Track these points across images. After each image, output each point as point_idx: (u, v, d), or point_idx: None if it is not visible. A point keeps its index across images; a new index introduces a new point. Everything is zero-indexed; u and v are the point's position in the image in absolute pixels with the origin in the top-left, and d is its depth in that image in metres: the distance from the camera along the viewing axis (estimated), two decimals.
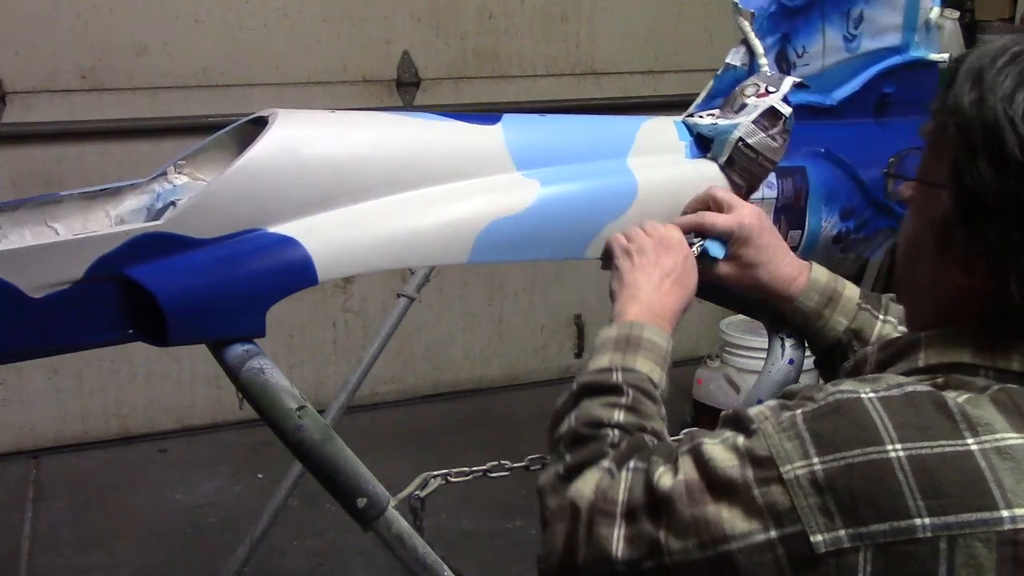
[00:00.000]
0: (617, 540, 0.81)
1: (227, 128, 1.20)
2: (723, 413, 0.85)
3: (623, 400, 0.95)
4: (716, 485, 0.76)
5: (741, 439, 0.77)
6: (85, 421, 3.42)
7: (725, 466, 0.76)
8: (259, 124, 1.17)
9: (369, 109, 3.25)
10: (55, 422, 3.39)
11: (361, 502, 1.05)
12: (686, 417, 3.41)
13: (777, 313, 1.27)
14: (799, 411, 0.76)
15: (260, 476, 3.19)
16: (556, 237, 1.25)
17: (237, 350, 1.10)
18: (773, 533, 0.73)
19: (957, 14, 3.38)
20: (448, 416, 3.71)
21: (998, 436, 0.71)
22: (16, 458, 3.33)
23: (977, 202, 0.77)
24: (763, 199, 1.40)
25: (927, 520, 0.69)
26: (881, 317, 1.18)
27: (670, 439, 0.93)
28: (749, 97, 1.33)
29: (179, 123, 3.21)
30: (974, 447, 0.71)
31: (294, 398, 1.06)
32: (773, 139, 1.29)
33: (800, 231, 1.47)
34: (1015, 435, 0.72)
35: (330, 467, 1.05)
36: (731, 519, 0.74)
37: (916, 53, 1.56)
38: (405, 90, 3.52)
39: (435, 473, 1.23)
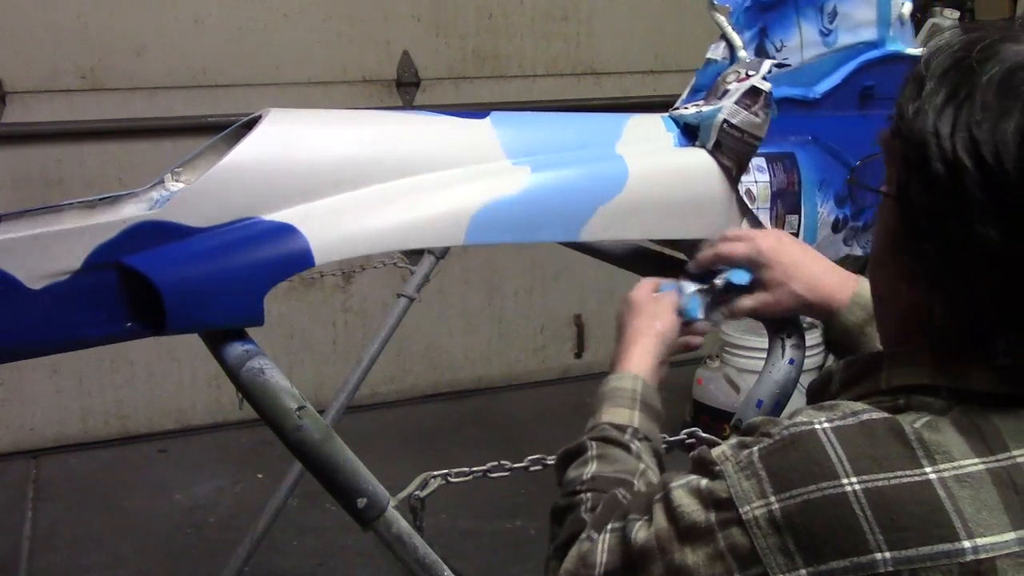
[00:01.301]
0: None
1: (222, 134, 1.22)
2: (691, 454, 0.84)
3: (589, 454, 0.99)
4: (683, 531, 0.76)
5: (704, 482, 0.77)
6: (85, 421, 3.43)
7: (690, 511, 0.76)
8: (252, 127, 1.19)
9: (369, 109, 3.25)
10: (55, 422, 3.39)
11: (361, 502, 1.05)
12: (686, 417, 3.41)
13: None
14: (756, 448, 0.75)
15: (260, 476, 3.19)
16: (550, 218, 1.27)
17: (237, 349, 1.11)
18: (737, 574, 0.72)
19: (957, 14, 3.39)
20: (448, 416, 3.71)
21: (957, 463, 0.70)
22: (16, 458, 3.33)
23: (914, 217, 0.75)
24: (756, 182, 1.42)
25: (887, 554, 0.68)
26: None
27: (649, 479, 0.96)
28: (730, 83, 1.36)
29: (179, 123, 3.21)
30: (932, 476, 0.70)
31: (294, 398, 1.06)
32: (755, 115, 1.32)
33: (797, 216, 1.49)
34: (974, 460, 0.70)
35: (330, 467, 1.05)
36: (697, 565, 0.74)
37: (892, 47, 1.59)
38: (405, 90, 3.53)
39: (435, 473, 1.23)
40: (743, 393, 3.14)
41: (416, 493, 1.18)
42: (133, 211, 1.15)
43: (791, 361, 1.27)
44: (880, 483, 0.69)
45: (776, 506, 0.71)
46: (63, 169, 3.20)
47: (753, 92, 1.33)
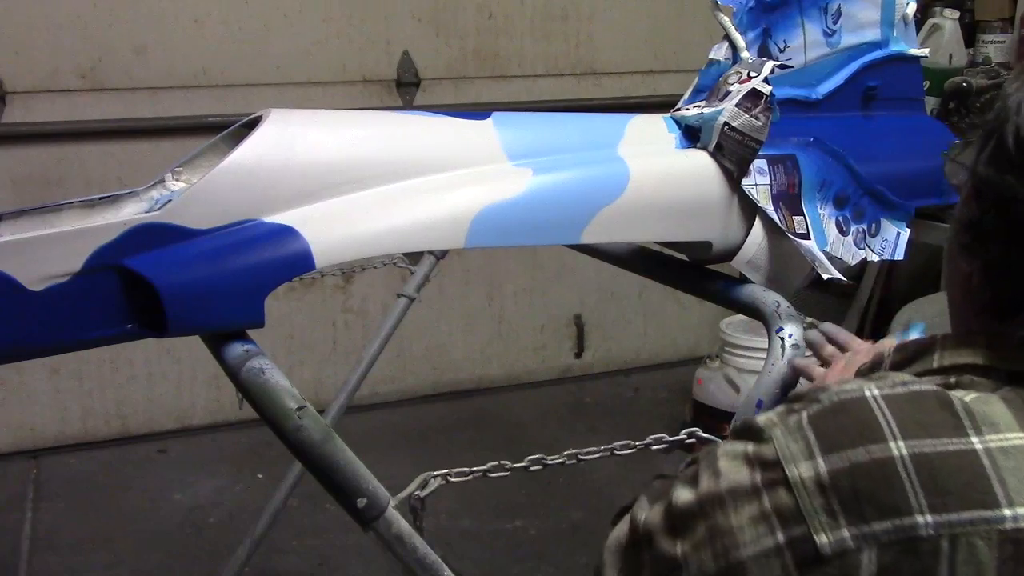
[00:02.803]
0: (644, 565, 0.82)
1: (222, 133, 1.21)
2: (733, 424, 0.84)
3: None
4: (728, 493, 0.76)
5: (751, 446, 0.77)
6: (85, 421, 3.43)
7: (736, 473, 0.76)
8: (253, 127, 1.18)
9: (369, 109, 3.25)
10: (55, 422, 3.39)
11: (361, 502, 1.05)
12: (686, 417, 3.41)
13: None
14: (804, 412, 0.76)
15: (260, 476, 3.19)
16: (551, 221, 1.27)
17: (237, 350, 1.11)
18: (780, 536, 0.72)
19: (957, 14, 3.39)
20: (448, 416, 3.71)
21: (1003, 435, 0.71)
22: (16, 458, 3.33)
23: (977, 188, 0.79)
24: (756, 185, 1.42)
25: (929, 518, 0.69)
26: None
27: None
28: (732, 85, 1.36)
29: (179, 123, 3.21)
30: (978, 445, 0.71)
31: (294, 398, 1.06)
32: (756, 118, 1.32)
33: (802, 216, 1.49)
34: (1020, 433, 0.72)
35: (330, 467, 1.05)
36: (740, 527, 0.74)
37: (896, 48, 1.59)
38: (405, 90, 3.53)
39: (435, 473, 1.23)
40: (743, 393, 3.14)
41: (416, 493, 1.18)
42: (133, 210, 1.15)
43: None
44: (927, 449, 0.71)
45: (823, 467, 0.72)
46: (63, 169, 3.19)
47: (754, 95, 1.33)
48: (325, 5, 3.37)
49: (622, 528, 0.87)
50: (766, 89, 1.33)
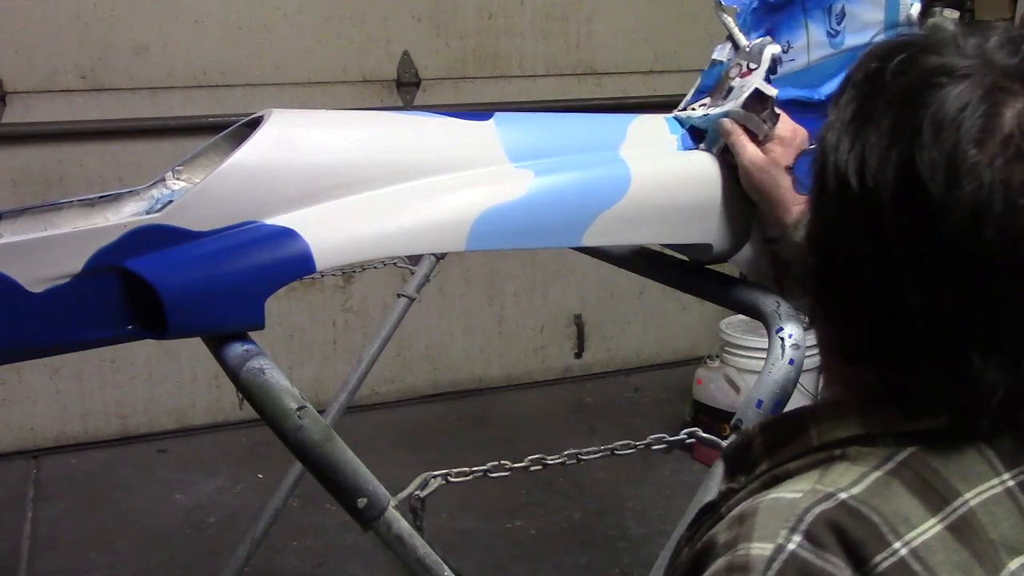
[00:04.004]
0: None
1: (223, 133, 1.21)
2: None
3: None
4: None
5: None
6: (85, 421, 3.43)
7: None
8: (255, 127, 1.18)
9: (369, 109, 3.25)
10: (55, 422, 3.39)
11: (361, 502, 1.05)
12: (686, 417, 3.41)
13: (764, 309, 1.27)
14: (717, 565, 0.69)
15: (260, 476, 3.19)
16: (552, 224, 1.27)
17: (237, 350, 1.11)
18: None
19: (957, 14, 3.39)
20: (448, 416, 3.71)
21: (918, 530, 0.68)
22: (16, 458, 3.33)
23: (811, 223, 0.76)
24: None
25: None
26: None
27: None
28: (733, 79, 1.35)
29: (179, 123, 3.22)
30: (903, 551, 0.67)
31: (294, 398, 1.06)
32: (763, 121, 1.31)
33: None
34: (932, 521, 0.68)
35: (330, 467, 1.05)
36: None
37: None
38: (405, 90, 3.53)
39: (435, 473, 1.23)
40: (743, 393, 3.14)
41: (416, 493, 1.18)
42: (133, 210, 1.15)
43: (791, 361, 1.27)
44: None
45: None
46: (63, 169, 3.20)
47: (759, 98, 1.32)
48: (325, 5, 3.37)
49: None
50: (771, 92, 1.32)
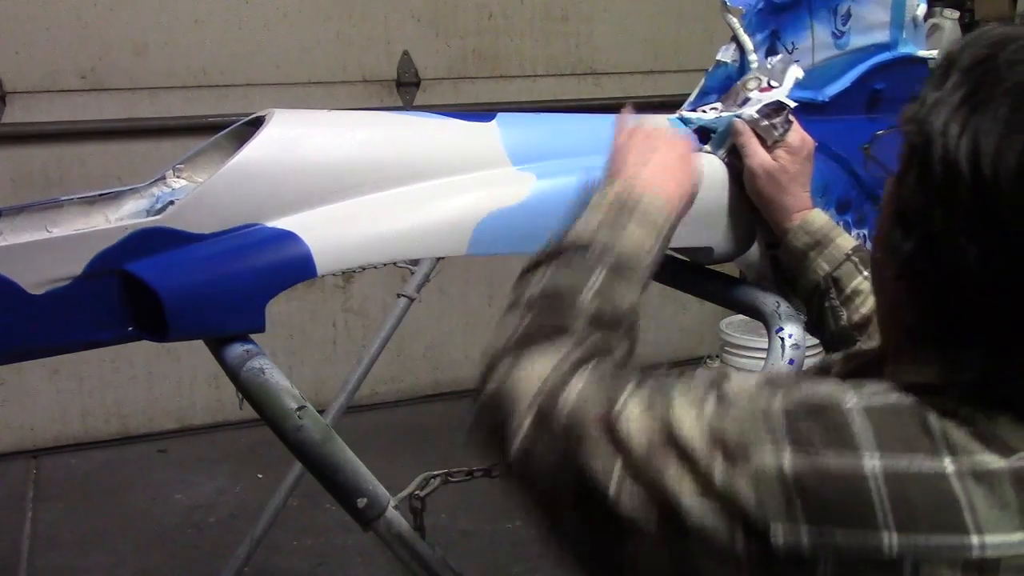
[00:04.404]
0: (558, 451, 0.75)
1: (225, 131, 1.21)
2: (707, 369, 0.79)
3: (591, 280, 0.92)
4: (678, 452, 0.71)
5: (710, 409, 0.72)
6: (85, 421, 3.43)
7: (690, 439, 0.71)
8: (256, 125, 1.18)
9: (369, 109, 3.25)
10: (55, 422, 3.39)
11: (361, 502, 1.05)
12: None
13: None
14: (779, 400, 0.72)
15: (260, 476, 3.19)
16: (553, 229, 1.26)
17: (237, 350, 1.11)
18: (734, 516, 0.69)
19: (957, 14, 3.38)
20: (448, 416, 3.71)
21: (975, 458, 0.69)
22: (16, 458, 3.33)
23: (903, 208, 0.74)
24: None
25: (895, 537, 0.67)
26: (864, 274, 1.20)
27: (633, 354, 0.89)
28: (751, 91, 1.34)
29: (179, 123, 3.21)
30: (950, 468, 0.68)
31: (294, 398, 1.06)
32: (775, 128, 1.31)
33: None
34: (995, 457, 0.69)
35: (330, 467, 1.05)
36: (691, 492, 0.70)
37: (905, 49, 1.57)
38: (405, 90, 3.53)
39: (435, 473, 1.23)
40: None
41: (416, 493, 1.18)
42: (134, 207, 1.15)
43: (791, 361, 1.27)
44: (900, 467, 0.68)
45: (788, 463, 0.69)
46: (63, 169, 3.20)
47: (777, 107, 1.31)
48: (325, 5, 3.37)
49: (542, 369, 0.79)
50: (791, 103, 1.31)
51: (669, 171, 1.08)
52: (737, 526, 0.69)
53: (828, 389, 0.73)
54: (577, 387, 0.77)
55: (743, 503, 0.68)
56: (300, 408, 1.05)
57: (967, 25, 3.35)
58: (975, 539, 0.67)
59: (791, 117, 1.31)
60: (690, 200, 1.11)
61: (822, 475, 0.68)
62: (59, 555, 2.82)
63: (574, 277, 0.92)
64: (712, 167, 1.34)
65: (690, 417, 0.72)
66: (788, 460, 0.69)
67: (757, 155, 1.30)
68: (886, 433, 0.70)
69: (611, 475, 0.72)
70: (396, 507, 1.08)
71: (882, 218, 0.80)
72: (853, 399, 0.72)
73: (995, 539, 0.67)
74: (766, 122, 1.31)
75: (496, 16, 3.60)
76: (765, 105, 1.31)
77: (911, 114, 0.74)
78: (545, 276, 0.93)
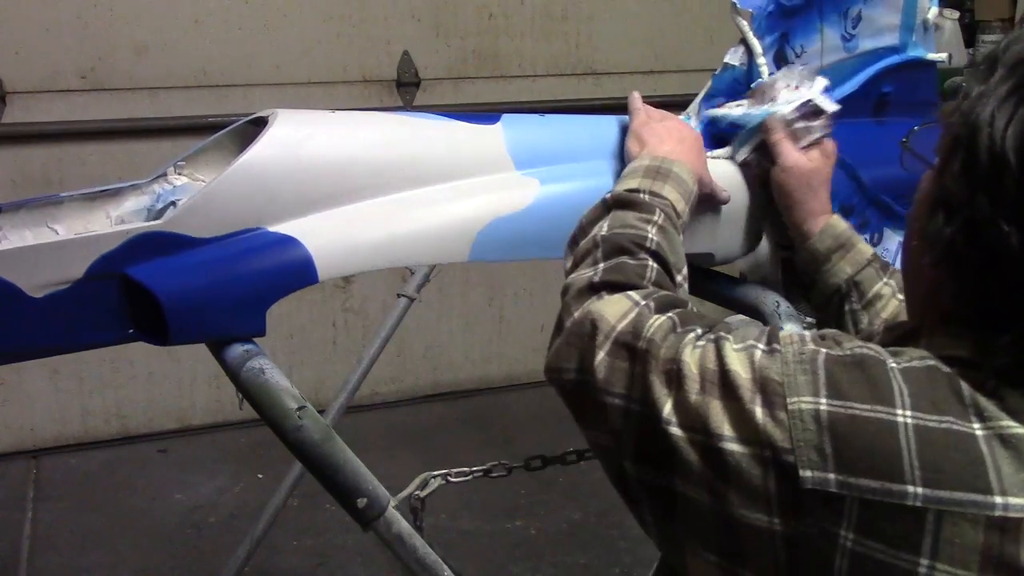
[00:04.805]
0: (630, 376, 0.82)
1: (227, 129, 1.21)
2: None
3: (655, 218, 1.02)
4: (725, 390, 0.76)
5: (759, 353, 0.77)
6: (85, 421, 3.43)
7: (737, 376, 0.76)
8: (259, 124, 1.17)
9: (369, 109, 3.25)
10: (55, 422, 3.39)
11: (361, 502, 1.05)
12: None
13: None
14: (824, 351, 0.76)
15: (260, 476, 3.19)
16: (557, 235, 1.25)
17: (237, 350, 1.10)
18: (767, 454, 0.73)
19: (957, 14, 3.39)
20: (448, 416, 3.71)
21: (1004, 424, 0.71)
22: (16, 458, 3.33)
23: (946, 197, 0.76)
24: None
25: (920, 489, 0.69)
26: (885, 279, 1.23)
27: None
28: (780, 91, 1.33)
29: (179, 123, 3.21)
30: (979, 432, 0.71)
31: (294, 398, 1.06)
32: (810, 130, 1.29)
33: None
34: (1020, 427, 0.71)
35: (330, 467, 1.05)
36: (732, 429, 0.74)
37: (914, 53, 1.56)
38: (405, 90, 3.53)
39: (435, 473, 1.23)
40: None
41: (416, 493, 1.18)
42: (134, 205, 1.15)
43: None
44: (931, 424, 0.70)
45: (825, 407, 0.72)
46: (63, 169, 3.19)
47: (815, 110, 1.30)
48: (325, 5, 3.37)
49: (618, 309, 0.87)
50: (831, 107, 1.30)
51: (688, 147, 1.20)
52: (770, 466, 0.72)
53: (874, 349, 0.76)
54: (653, 324, 0.84)
55: (777, 443, 0.72)
56: (300, 408, 1.05)
57: (967, 25, 3.35)
58: (999, 499, 0.69)
59: (829, 123, 1.30)
60: (703, 183, 1.21)
61: (855, 423, 0.71)
62: (59, 555, 2.83)
63: (637, 220, 1.03)
64: (717, 171, 1.33)
65: (740, 360, 0.77)
66: (824, 405, 0.72)
67: (792, 153, 1.29)
68: (920, 394, 0.72)
69: (666, 403, 0.78)
70: (396, 507, 1.08)
71: (918, 208, 0.83)
72: (892, 362, 0.74)
73: (1019, 501, 0.69)
74: (803, 123, 1.29)
75: (496, 16, 3.60)
76: (802, 105, 1.30)
77: (954, 107, 0.77)
78: (607, 222, 1.04)
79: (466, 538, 2.87)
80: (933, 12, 1.55)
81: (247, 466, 3.26)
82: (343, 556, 2.79)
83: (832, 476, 0.70)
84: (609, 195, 1.08)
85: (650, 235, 1.00)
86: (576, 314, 0.91)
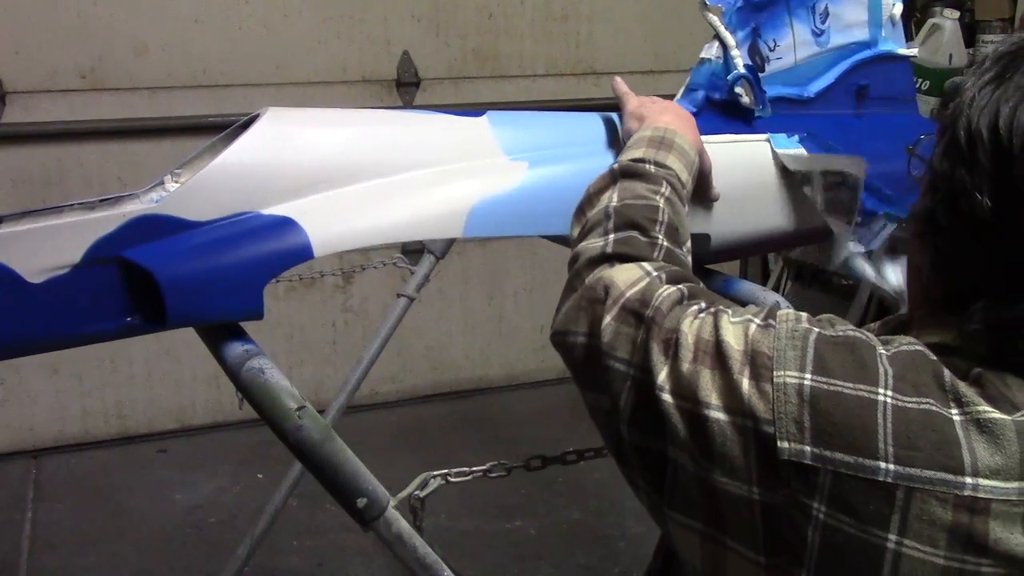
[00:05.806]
0: (633, 342, 0.84)
1: (221, 135, 1.22)
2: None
3: (663, 190, 1.04)
4: (717, 360, 0.78)
5: (754, 327, 0.79)
6: (85, 421, 3.43)
7: (730, 347, 0.78)
8: (251, 126, 1.19)
9: (367, 108, 3.25)
10: (55, 422, 3.39)
11: (361, 502, 1.05)
12: None
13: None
14: (817, 330, 0.78)
15: (260, 476, 3.19)
16: (548, 213, 1.28)
17: (237, 350, 1.11)
18: (749, 424, 0.74)
19: (957, 14, 3.39)
20: (448, 416, 3.71)
21: (981, 409, 0.73)
22: (16, 458, 3.33)
23: (932, 179, 0.81)
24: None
25: (892, 466, 0.71)
26: None
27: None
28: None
29: (179, 123, 3.21)
30: (956, 417, 0.73)
31: (294, 398, 1.06)
32: None
33: None
34: (998, 414, 0.73)
35: (330, 467, 1.05)
36: (718, 398, 0.76)
37: (885, 47, 1.60)
38: (405, 90, 3.53)
39: (435, 473, 1.23)
40: None
41: (416, 493, 1.18)
42: (133, 207, 1.15)
43: None
44: (909, 405, 0.72)
45: (808, 382, 0.74)
46: (63, 169, 3.20)
47: None
48: (325, 5, 3.37)
49: (629, 277, 0.89)
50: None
51: (684, 122, 1.22)
52: (750, 435, 0.74)
53: (865, 335, 0.79)
54: (663, 294, 0.86)
55: (759, 414, 0.74)
56: (300, 408, 1.05)
57: (967, 25, 3.35)
58: (969, 480, 0.70)
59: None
60: (703, 157, 1.24)
61: (836, 399, 0.73)
62: (59, 555, 2.82)
63: (646, 191, 1.04)
64: (712, 156, 1.34)
65: (735, 332, 0.79)
66: (809, 381, 0.74)
67: None
68: (903, 377, 0.74)
69: (661, 370, 0.80)
70: (396, 507, 1.08)
71: (909, 214, 0.89)
72: (881, 349, 0.77)
73: (989, 483, 0.70)
74: None
75: (496, 16, 3.60)
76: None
77: (952, 105, 0.82)
78: (616, 192, 1.05)
79: (466, 538, 2.87)
80: (898, 8, 1.61)
81: (247, 466, 3.26)
82: (343, 556, 2.80)
83: (808, 448, 0.72)
84: (616, 165, 1.09)
85: (660, 206, 1.02)
86: (588, 279, 0.93)
